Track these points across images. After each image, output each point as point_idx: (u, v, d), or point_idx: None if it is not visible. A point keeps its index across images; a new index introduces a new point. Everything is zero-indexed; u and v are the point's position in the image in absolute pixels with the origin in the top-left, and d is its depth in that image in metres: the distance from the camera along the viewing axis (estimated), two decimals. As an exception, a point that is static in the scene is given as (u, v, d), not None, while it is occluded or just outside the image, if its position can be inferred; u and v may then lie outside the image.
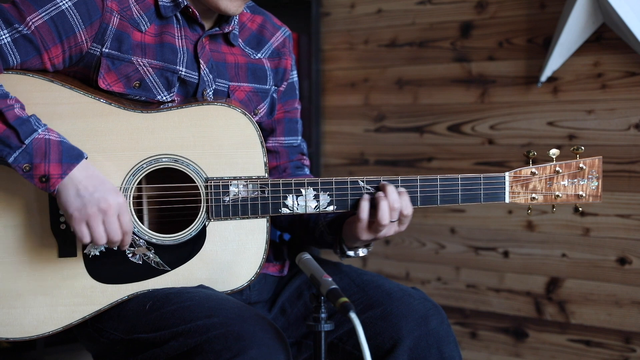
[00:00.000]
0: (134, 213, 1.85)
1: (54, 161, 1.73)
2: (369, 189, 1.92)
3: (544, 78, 2.90)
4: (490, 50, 3.08)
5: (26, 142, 1.72)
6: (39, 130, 1.74)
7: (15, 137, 1.71)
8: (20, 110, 1.74)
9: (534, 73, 2.97)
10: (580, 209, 2.00)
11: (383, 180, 1.92)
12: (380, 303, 1.94)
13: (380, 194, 1.89)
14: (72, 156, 1.74)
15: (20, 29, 1.77)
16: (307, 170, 2.21)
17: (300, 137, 2.21)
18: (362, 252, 2.02)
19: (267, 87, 2.09)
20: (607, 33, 2.80)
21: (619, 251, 2.86)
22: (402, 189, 1.91)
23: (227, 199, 1.89)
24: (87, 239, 1.76)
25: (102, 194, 1.74)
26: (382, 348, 1.90)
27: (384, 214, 1.87)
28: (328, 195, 1.92)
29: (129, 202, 1.85)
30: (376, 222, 1.88)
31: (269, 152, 2.14)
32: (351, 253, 2.02)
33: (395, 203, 1.87)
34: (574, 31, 2.76)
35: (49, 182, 1.73)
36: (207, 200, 1.88)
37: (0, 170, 1.81)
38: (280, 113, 2.16)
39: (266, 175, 1.91)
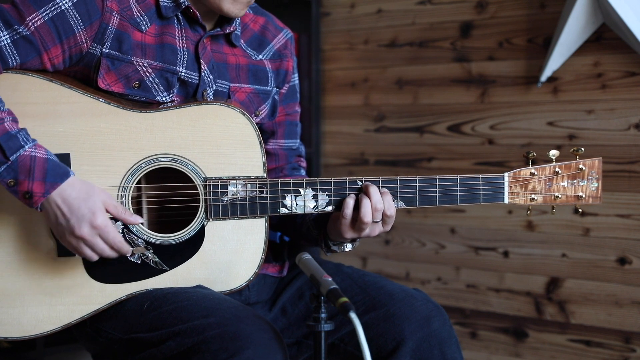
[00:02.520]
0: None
1: (37, 179, 1.72)
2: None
3: (544, 78, 2.90)
4: (490, 50, 3.08)
5: (11, 158, 1.72)
6: (26, 147, 1.73)
7: (1, 152, 1.71)
8: (11, 124, 1.74)
9: (534, 73, 2.97)
10: (580, 210, 2.00)
11: (365, 181, 1.92)
12: (383, 304, 1.94)
13: (363, 194, 1.90)
14: (57, 175, 1.74)
15: (20, 30, 1.77)
16: (302, 172, 2.21)
17: (299, 140, 2.21)
18: (347, 247, 2.01)
19: (269, 88, 2.09)
20: (607, 33, 2.80)
21: (619, 251, 2.86)
22: (385, 190, 1.91)
23: (225, 198, 1.89)
24: (81, 256, 1.80)
25: (76, 221, 1.74)
26: (384, 349, 1.90)
27: (367, 213, 1.87)
28: (327, 195, 1.92)
29: (128, 201, 1.85)
30: (359, 220, 1.88)
31: (269, 154, 2.14)
32: (336, 248, 2.01)
33: (378, 204, 1.87)
34: (574, 31, 2.76)
35: (32, 200, 1.73)
36: (205, 200, 1.88)
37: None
38: (281, 116, 2.16)
39: (265, 175, 1.91)
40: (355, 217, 1.90)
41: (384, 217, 1.90)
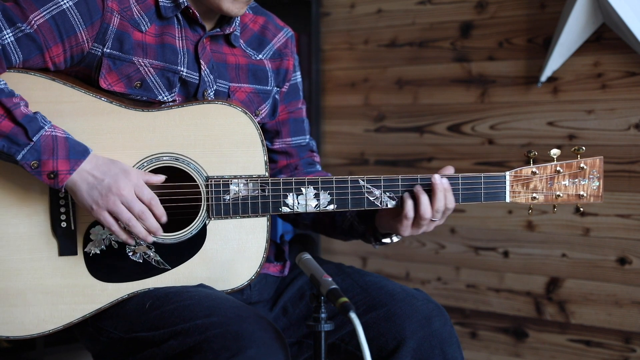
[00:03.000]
0: None
1: (61, 157, 1.74)
2: (369, 188, 1.92)
3: (544, 78, 2.90)
4: (490, 50, 3.08)
5: (34, 139, 1.73)
6: (46, 127, 1.75)
7: (24, 134, 1.73)
8: (26, 108, 1.76)
9: (534, 73, 2.97)
10: (581, 209, 2.00)
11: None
12: (384, 304, 1.94)
13: (421, 192, 1.90)
14: (78, 152, 1.76)
15: (23, 27, 1.78)
16: (318, 167, 2.22)
17: (308, 136, 2.21)
18: (395, 238, 2.02)
19: (269, 88, 2.09)
20: (607, 33, 2.80)
21: (619, 251, 2.86)
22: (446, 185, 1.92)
23: (227, 197, 1.89)
24: (114, 226, 1.79)
25: (112, 178, 1.76)
26: (385, 349, 1.90)
27: (427, 211, 1.89)
28: (328, 194, 1.92)
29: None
30: (418, 217, 1.90)
31: (279, 152, 2.15)
32: (387, 240, 2.02)
33: (440, 205, 1.90)
34: (574, 31, 2.76)
35: (57, 178, 1.74)
36: (207, 198, 1.88)
37: (2, 169, 1.81)
38: (284, 114, 2.16)
39: (266, 174, 1.92)
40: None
41: (445, 212, 1.92)
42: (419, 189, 1.90)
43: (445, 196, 1.90)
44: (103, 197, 1.76)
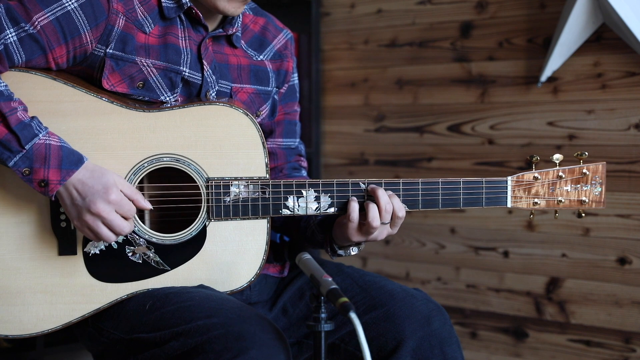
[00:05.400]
0: (135, 215, 1.85)
1: (53, 167, 1.73)
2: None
3: (544, 78, 2.90)
4: (490, 50, 3.08)
5: (26, 147, 1.72)
6: (40, 135, 1.74)
7: (16, 141, 1.72)
8: (23, 112, 1.75)
9: (534, 73, 2.97)
10: (583, 214, 1.99)
11: (369, 184, 1.91)
12: (383, 304, 1.94)
13: (369, 197, 1.89)
14: (71, 162, 1.75)
15: (26, 28, 1.77)
16: (304, 172, 2.21)
17: (298, 139, 2.21)
18: (353, 251, 2.00)
19: (269, 88, 2.09)
20: (607, 33, 2.80)
21: (619, 251, 2.86)
22: (390, 192, 1.90)
23: (227, 199, 1.89)
24: (96, 240, 1.80)
25: (92, 197, 1.75)
26: (385, 349, 1.90)
27: (375, 217, 1.86)
28: (329, 197, 1.92)
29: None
30: (367, 224, 1.87)
31: (268, 153, 2.14)
32: (342, 252, 2.01)
33: (387, 205, 1.87)
34: (574, 31, 2.76)
35: (48, 187, 1.74)
36: (207, 200, 1.88)
37: (2, 168, 1.81)
38: (280, 115, 2.16)
39: (267, 176, 1.91)
40: (362, 220, 1.89)
41: (394, 219, 1.89)
42: (368, 199, 1.88)
43: (392, 200, 1.88)
44: (84, 214, 1.76)
